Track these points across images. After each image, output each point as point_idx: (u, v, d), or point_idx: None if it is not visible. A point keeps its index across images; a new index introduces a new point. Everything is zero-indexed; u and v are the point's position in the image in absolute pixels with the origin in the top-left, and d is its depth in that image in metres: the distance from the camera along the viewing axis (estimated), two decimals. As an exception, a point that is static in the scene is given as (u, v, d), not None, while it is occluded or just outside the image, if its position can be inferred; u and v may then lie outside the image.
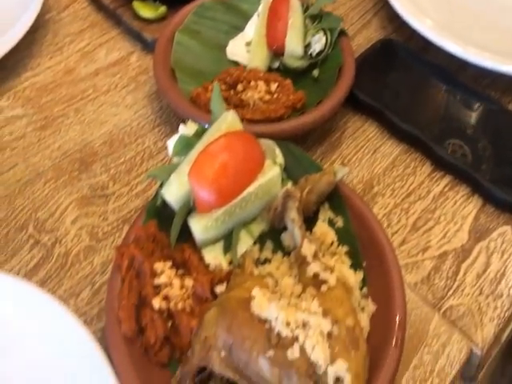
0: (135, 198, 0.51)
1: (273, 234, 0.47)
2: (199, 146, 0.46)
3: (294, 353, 0.33)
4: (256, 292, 0.36)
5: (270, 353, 0.34)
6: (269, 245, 0.46)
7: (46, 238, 0.48)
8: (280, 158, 0.49)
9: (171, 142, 0.48)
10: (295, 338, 0.34)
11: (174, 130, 0.56)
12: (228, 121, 0.47)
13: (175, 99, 0.56)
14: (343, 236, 0.46)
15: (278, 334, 0.34)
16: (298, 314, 0.35)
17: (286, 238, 0.46)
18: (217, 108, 0.48)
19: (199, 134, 0.47)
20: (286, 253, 0.46)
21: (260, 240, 0.46)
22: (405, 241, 0.51)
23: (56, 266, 0.46)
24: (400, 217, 0.53)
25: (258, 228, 0.47)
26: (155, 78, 0.58)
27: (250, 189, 0.45)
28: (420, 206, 0.54)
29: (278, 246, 0.46)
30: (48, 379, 0.37)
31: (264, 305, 0.35)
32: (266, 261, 0.45)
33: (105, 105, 0.60)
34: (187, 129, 0.48)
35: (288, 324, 0.34)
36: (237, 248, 0.45)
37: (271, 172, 0.46)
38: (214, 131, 0.47)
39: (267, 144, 0.49)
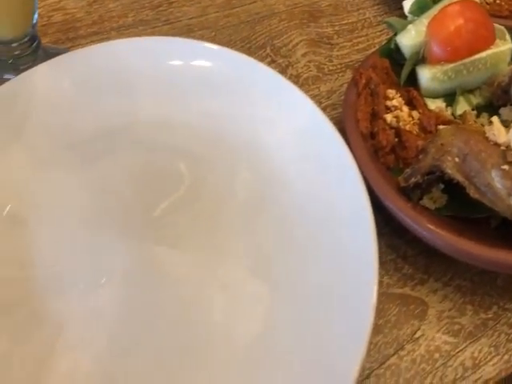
0: (356, 52, 0.55)
1: (488, 110, 0.48)
2: (439, 7, 0.48)
3: (528, 172, 0.35)
4: (495, 119, 0.38)
5: (505, 167, 0.36)
6: (485, 115, 0.48)
7: (280, 60, 0.53)
8: (510, 42, 0.50)
9: (407, 3, 0.51)
10: (531, 163, 0.36)
11: (392, 11, 0.57)
12: (469, -10, 0.49)
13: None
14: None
15: (516, 155, 0.36)
16: (537, 145, 0.36)
17: (504, 112, 0.47)
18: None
19: (436, 0, 0.50)
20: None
21: (476, 109, 0.48)
22: None
23: (290, 82, 0.51)
24: None
25: (475, 99, 0.49)
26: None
27: (482, 54, 0.47)
28: None
29: (494, 120, 0.47)
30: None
31: (502, 130, 0.37)
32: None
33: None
34: (426, -7, 0.51)
35: (527, 149, 0.36)
36: (457, 107, 0.47)
37: (504, 46, 0.48)
38: (455, -3, 0.49)
39: (497, 27, 0.50)
